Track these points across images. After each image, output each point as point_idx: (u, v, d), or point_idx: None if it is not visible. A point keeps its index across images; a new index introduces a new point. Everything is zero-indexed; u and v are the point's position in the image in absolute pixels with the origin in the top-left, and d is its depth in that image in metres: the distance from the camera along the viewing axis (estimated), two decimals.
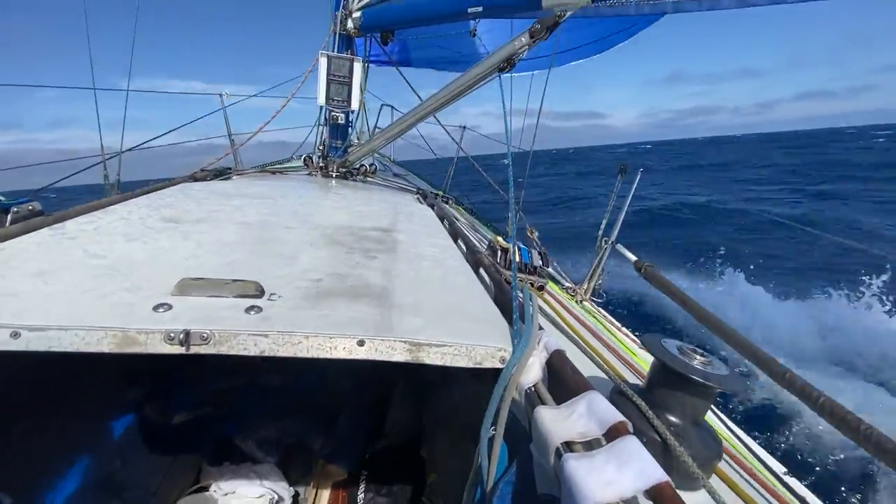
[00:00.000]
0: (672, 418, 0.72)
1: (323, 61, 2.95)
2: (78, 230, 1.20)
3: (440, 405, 2.06)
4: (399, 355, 0.80)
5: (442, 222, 1.98)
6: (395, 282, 1.06)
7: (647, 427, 0.71)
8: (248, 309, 0.83)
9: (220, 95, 4.31)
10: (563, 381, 0.79)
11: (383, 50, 3.21)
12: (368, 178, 3.28)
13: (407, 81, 3.42)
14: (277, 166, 3.64)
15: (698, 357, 0.73)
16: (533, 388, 0.80)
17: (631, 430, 0.63)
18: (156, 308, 0.80)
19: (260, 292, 0.90)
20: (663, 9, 1.92)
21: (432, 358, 0.81)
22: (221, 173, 2.71)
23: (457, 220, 2.35)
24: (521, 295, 1.00)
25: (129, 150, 3.03)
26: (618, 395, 0.78)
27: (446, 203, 3.16)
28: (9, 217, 1.27)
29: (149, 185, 1.95)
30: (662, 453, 0.68)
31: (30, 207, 1.34)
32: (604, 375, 0.93)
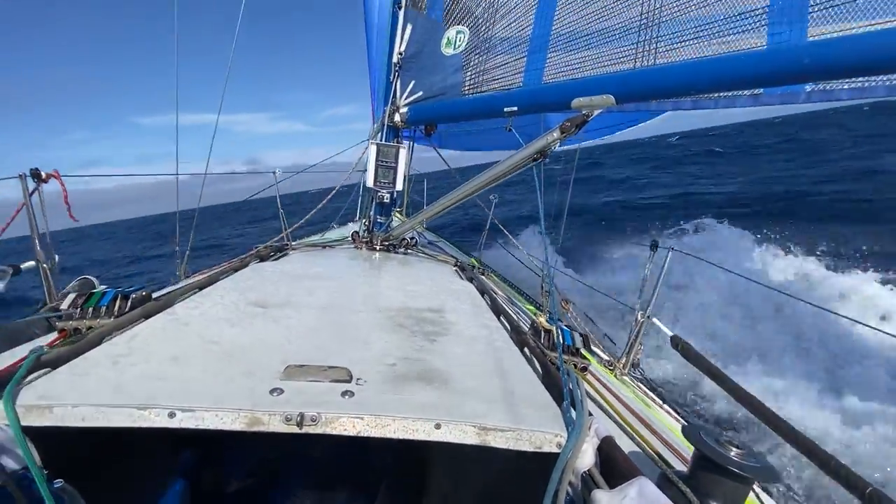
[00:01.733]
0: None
1: (373, 149, 3.32)
2: (188, 315, 1.42)
3: (477, 480, 2.09)
4: (470, 438, 0.93)
5: (483, 297, 2.14)
6: (456, 366, 1.21)
7: None
8: (343, 393, 0.99)
9: (274, 173, 4.82)
10: (614, 467, 0.89)
11: (426, 139, 3.59)
12: (409, 251, 3.52)
13: (444, 160, 3.76)
14: (325, 238, 3.95)
15: (734, 449, 0.83)
16: (587, 473, 0.91)
17: None
18: (272, 392, 0.97)
19: (349, 377, 1.06)
20: (680, 106, 2.15)
21: (498, 441, 0.94)
22: (280, 249, 3.01)
23: (495, 293, 2.51)
24: (568, 379, 1.13)
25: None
26: (664, 481, 0.87)
27: (483, 274, 3.34)
28: (129, 303, 1.51)
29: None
30: None
31: (143, 293, 1.59)
32: (649, 459, 1.02)
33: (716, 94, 2.09)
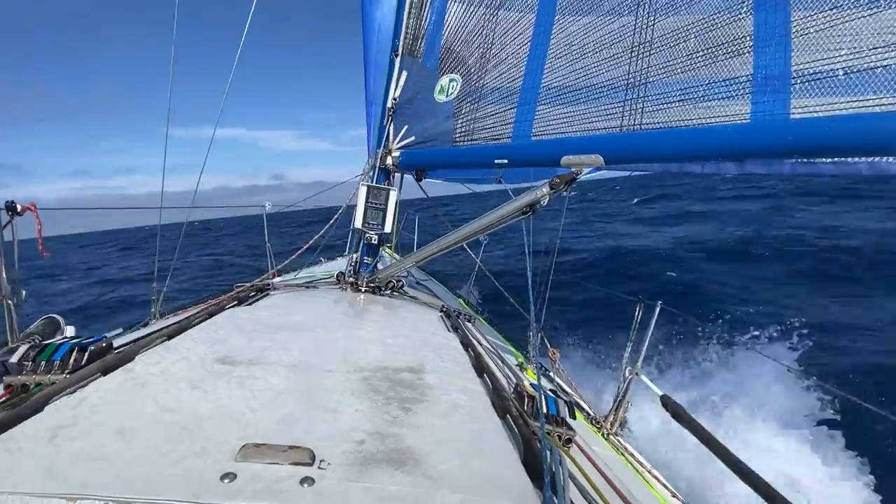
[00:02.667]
0: None
1: (362, 190, 3.31)
2: (146, 373, 1.33)
3: None
4: None
5: (467, 350, 2.07)
6: (430, 443, 1.13)
7: None
8: (303, 480, 0.91)
9: (264, 206, 4.79)
10: None
11: (418, 184, 3.60)
12: (394, 294, 3.46)
13: (424, 192, 3.77)
14: (310, 276, 3.88)
15: None
16: None
17: None
18: (222, 478, 0.88)
19: (311, 459, 0.98)
20: (669, 168, 2.18)
21: None
22: (262, 290, 2.93)
23: (480, 344, 2.43)
24: (550, 457, 1.06)
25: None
26: None
27: (469, 321, 3.27)
28: (86, 355, 1.42)
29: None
30: None
31: (103, 344, 1.50)
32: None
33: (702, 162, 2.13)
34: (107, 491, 0.82)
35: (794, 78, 1.96)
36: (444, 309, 3.09)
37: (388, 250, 5.81)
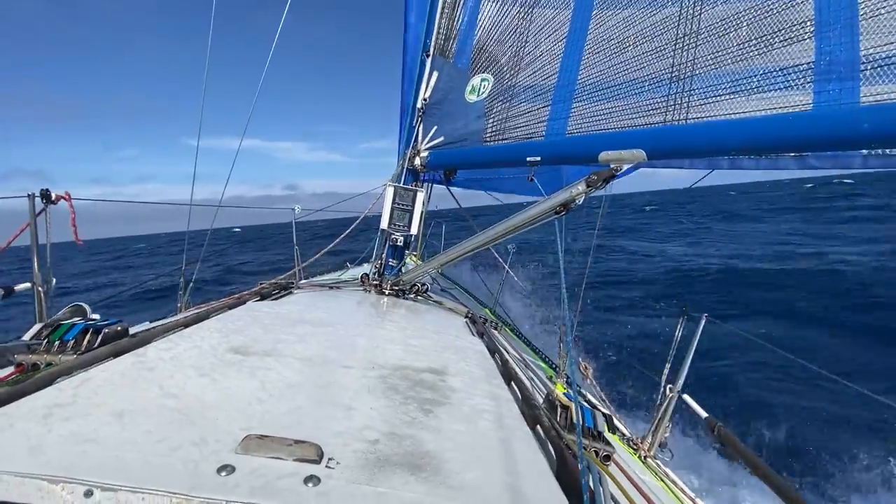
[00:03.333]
0: None
1: (390, 191, 3.25)
2: (156, 358, 1.27)
3: None
4: None
5: (493, 356, 1.93)
6: (452, 449, 1.00)
7: None
8: (307, 479, 0.80)
9: (293, 209, 4.81)
10: None
11: (446, 185, 3.52)
12: (419, 298, 3.35)
13: (456, 200, 3.66)
14: (335, 278, 3.83)
15: None
16: None
17: None
18: (219, 470, 0.79)
19: (319, 457, 0.87)
20: (718, 165, 2.00)
21: None
22: (286, 287, 2.88)
23: (508, 352, 2.29)
24: (588, 473, 0.91)
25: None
26: None
27: (496, 329, 3.12)
28: (99, 338, 1.37)
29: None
30: None
31: (118, 328, 1.46)
32: None
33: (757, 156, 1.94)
34: (92, 476, 0.74)
35: (863, 63, 1.76)
36: (470, 315, 2.96)
37: (413, 258, 5.74)
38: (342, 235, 3.46)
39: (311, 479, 0.80)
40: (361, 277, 3.42)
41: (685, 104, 2.21)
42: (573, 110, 2.66)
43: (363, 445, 0.96)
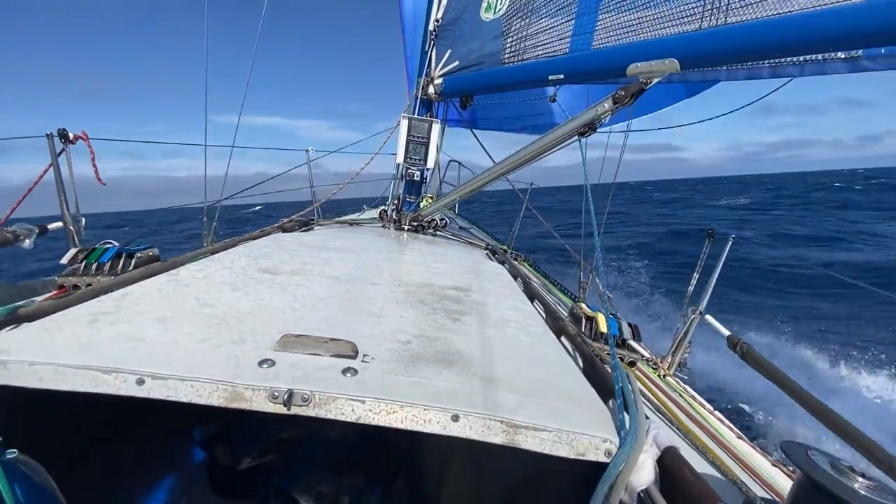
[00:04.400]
0: None
1: (404, 123, 3.15)
2: (191, 277, 1.30)
3: (506, 479, 1.91)
4: (495, 436, 0.75)
5: (516, 280, 1.94)
6: (482, 349, 1.03)
7: None
8: (345, 370, 0.83)
9: (307, 151, 4.74)
10: (682, 488, 0.69)
11: (459, 114, 3.38)
12: (438, 233, 3.35)
13: (481, 145, 3.55)
14: (354, 217, 3.84)
15: (860, 479, 0.60)
16: (645, 493, 0.71)
17: None
18: (260, 363, 0.82)
19: (354, 353, 0.90)
20: (759, 74, 1.85)
21: (530, 443, 0.75)
22: (305, 224, 2.90)
23: (529, 278, 2.30)
24: (618, 374, 0.92)
25: (227, 198, 3.37)
26: None
27: (515, 260, 3.12)
28: (133, 261, 1.41)
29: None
30: None
31: (150, 253, 1.50)
32: (725, 480, 0.81)
33: (802, 59, 1.78)
34: (142, 367, 0.78)
35: None
36: (489, 247, 2.96)
37: (430, 200, 5.67)
38: (362, 168, 3.41)
39: (349, 371, 0.84)
40: (380, 214, 3.42)
41: (724, 7, 2.02)
42: (599, 23, 2.45)
43: (396, 345, 0.99)
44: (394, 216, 3.32)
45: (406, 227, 3.21)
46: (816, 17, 1.55)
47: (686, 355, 2.41)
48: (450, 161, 5.06)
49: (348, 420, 0.76)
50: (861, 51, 1.61)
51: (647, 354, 2.46)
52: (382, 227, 3.30)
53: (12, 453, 0.78)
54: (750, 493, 0.71)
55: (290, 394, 0.75)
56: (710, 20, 2.03)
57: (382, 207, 3.47)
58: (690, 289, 2.36)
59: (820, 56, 1.67)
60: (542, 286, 2.40)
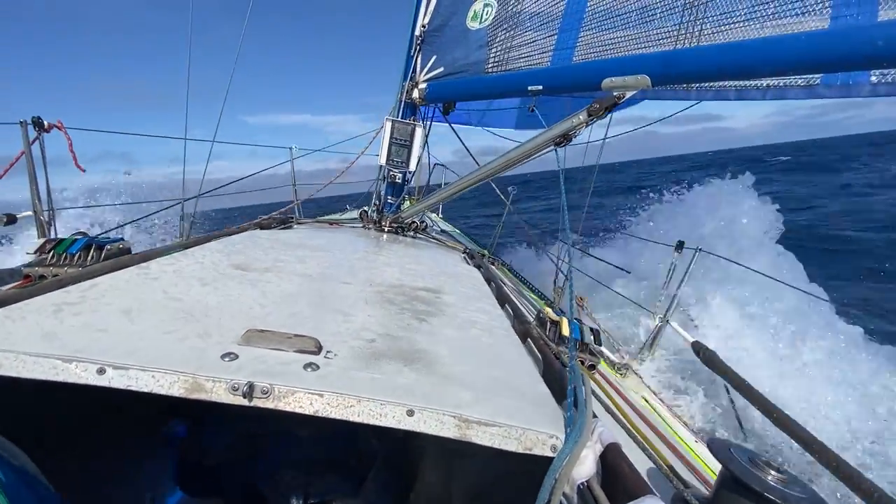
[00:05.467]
0: None
1: (388, 125, 3.17)
2: (160, 270, 1.31)
3: (471, 479, 1.94)
4: (447, 430, 0.79)
5: (489, 284, 1.98)
6: (444, 349, 1.06)
7: None
8: (307, 366, 0.85)
9: (290, 149, 4.72)
10: (619, 480, 0.74)
11: (444, 116, 3.43)
12: (418, 235, 3.38)
13: (465, 147, 3.60)
14: (334, 217, 3.84)
15: (773, 472, 0.66)
16: (586, 484, 0.75)
17: None
18: (223, 357, 0.84)
19: (318, 349, 0.92)
20: (726, 96, 1.94)
21: (481, 437, 0.79)
22: (284, 222, 2.90)
23: (503, 283, 2.34)
24: (573, 375, 0.97)
25: (204, 194, 3.34)
26: (679, 503, 0.71)
27: (492, 264, 3.17)
28: (103, 253, 1.41)
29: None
30: None
31: (120, 246, 1.49)
32: (660, 474, 0.85)
33: (765, 84, 1.88)
34: (104, 357, 0.79)
35: None
36: (468, 251, 3.00)
37: (412, 203, 5.70)
38: (344, 170, 3.42)
39: (311, 366, 0.86)
40: (360, 214, 3.44)
41: (696, 33, 2.11)
42: (580, 40, 2.53)
43: (360, 343, 1.01)
44: (374, 217, 3.34)
45: (386, 229, 3.23)
46: (778, 42, 1.65)
47: (651, 358, 2.50)
48: (435, 164, 5.11)
49: (307, 413, 0.78)
50: (819, 78, 1.71)
51: (612, 358, 2.54)
52: (363, 227, 3.31)
53: None
54: (685, 486, 0.76)
55: (251, 386, 0.77)
56: (684, 42, 2.13)
57: (364, 208, 3.48)
58: (661, 297, 2.45)
59: (781, 82, 1.77)
60: (516, 290, 2.45)
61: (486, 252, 3.47)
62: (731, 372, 1.90)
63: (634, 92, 2.00)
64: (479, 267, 2.41)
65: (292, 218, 3.04)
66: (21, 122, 2.28)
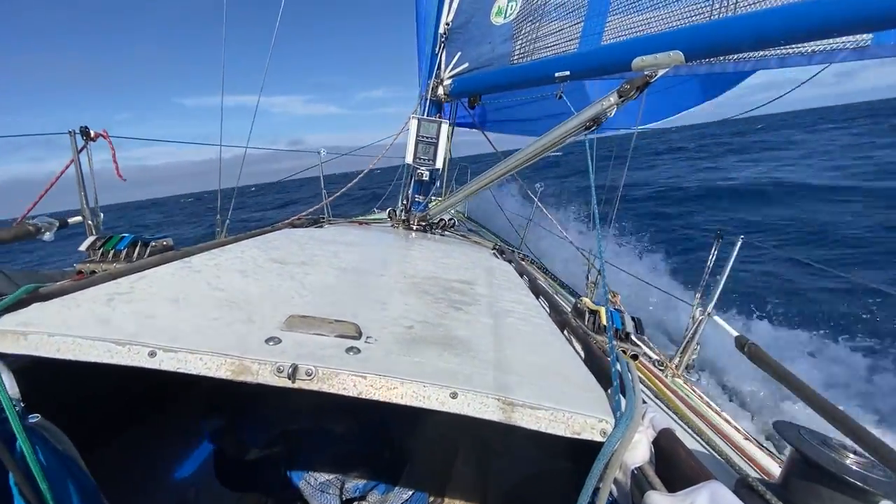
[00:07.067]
0: None
1: (413, 123, 3.19)
2: (202, 264, 1.35)
3: (506, 476, 1.90)
4: (491, 413, 0.76)
5: (521, 277, 1.95)
6: (483, 336, 1.04)
7: None
8: (349, 349, 0.85)
9: (319, 153, 4.84)
10: (675, 466, 0.69)
11: (469, 112, 3.42)
12: (446, 233, 3.37)
13: (490, 142, 3.57)
14: (363, 217, 3.89)
15: (851, 455, 0.60)
16: (639, 470, 0.71)
17: None
18: (267, 341, 0.85)
19: (358, 334, 0.92)
20: (766, 64, 1.84)
21: (526, 420, 0.76)
22: (316, 221, 2.96)
23: (535, 276, 2.30)
24: (618, 363, 0.92)
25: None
26: (745, 490, 0.66)
27: (523, 260, 3.13)
28: (148, 249, 1.46)
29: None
30: None
31: (164, 242, 1.55)
32: (717, 460, 0.80)
33: (809, 49, 1.77)
34: (155, 341, 0.81)
35: None
36: (497, 246, 2.96)
37: (438, 203, 5.72)
38: (368, 167, 3.47)
39: (352, 350, 0.86)
40: (389, 213, 3.46)
41: (732, 5, 2.02)
42: (608, 24, 2.47)
43: (399, 329, 1.00)
44: (403, 216, 3.36)
45: (415, 227, 3.24)
46: (823, 3, 1.54)
47: (693, 357, 2.38)
48: (458, 167, 5.11)
49: (350, 395, 0.77)
50: (870, 38, 1.59)
51: (652, 355, 2.44)
52: (392, 226, 3.34)
53: (35, 418, 0.82)
54: (743, 472, 0.71)
55: (295, 368, 0.77)
56: (720, 15, 2.03)
57: (391, 208, 3.51)
58: (699, 290, 2.34)
59: (827, 46, 1.66)
60: (549, 285, 2.40)
61: (515, 249, 3.42)
62: (779, 367, 1.79)
63: (666, 70, 1.92)
64: (510, 262, 2.37)
65: (323, 218, 3.10)
66: (70, 132, 2.42)
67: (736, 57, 1.83)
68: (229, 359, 0.79)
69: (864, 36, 1.54)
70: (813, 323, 5.19)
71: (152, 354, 0.79)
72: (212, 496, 1.84)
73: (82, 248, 1.44)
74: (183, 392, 2.12)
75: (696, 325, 2.42)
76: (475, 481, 1.99)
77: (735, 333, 2.27)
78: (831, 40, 1.60)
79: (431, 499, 1.98)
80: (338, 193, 3.39)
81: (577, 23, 2.66)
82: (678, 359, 2.46)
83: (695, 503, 0.57)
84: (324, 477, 2.05)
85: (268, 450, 2.10)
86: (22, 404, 0.80)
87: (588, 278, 3.25)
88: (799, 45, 1.66)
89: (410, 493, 1.98)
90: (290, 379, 0.77)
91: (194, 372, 0.79)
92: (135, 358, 0.79)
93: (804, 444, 0.62)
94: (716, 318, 2.36)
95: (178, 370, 0.79)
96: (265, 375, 0.78)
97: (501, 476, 1.92)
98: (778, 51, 1.73)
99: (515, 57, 2.84)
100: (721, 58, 1.84)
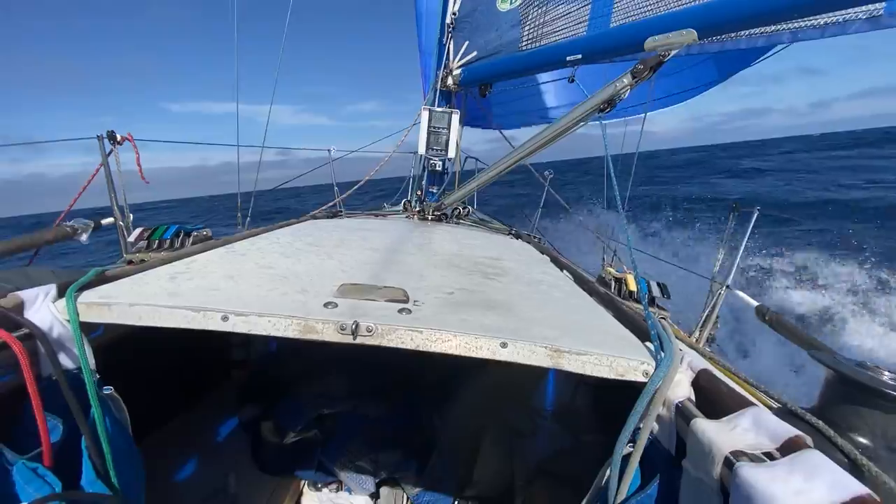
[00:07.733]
0: (861, 439, 0.64)
1: (425, 114, 3.24)
2: (245, 249, 1.42)
3: (531, 456, 1.97)
4: (540, 359, 0.82)
5: (542, 254, 2.00)
6: (520, 300, 1.10)
7: (831, 448, 0.64)
8: (401, 310, 0.92)
9: (329, 150, 4.89)
10: (717, 399, 0.75)
11: (479, 105, 3.45)
12: (461, 221, 3.43)
13: (501, 133, 3.61)
14: (377, 211, 3.95)
15: (887, 372, 0.65)
16: (681, 405, 0.77)
17: (811, 444, 0.58)
18: (326, 305, 0.92)
19: (406, 298, 0.99)
20: (779, 39, 1.87)
21: (573, 364, 0.82)
22: (334, 215, 3.03)
23: (557, 256, 2.35)
24: (652, 319, 0.98)
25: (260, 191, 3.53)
26: (786, 415, 0.72)
27: (539, 242, 3.18)
28: (191, 238, 1.54)
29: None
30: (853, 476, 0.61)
31: (204, 233, 1.62)
32: (757, 395, 0.85)
33: (822, 20, 1.79)
34: (221, 306, 0.88)
35: None
36: (514, 231, 3.02)
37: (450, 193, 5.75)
38: (381, 163, 3.52)
39: (404, 311, 0.92)
40: (404, 205, 3.52)
41: None
42: (617, 5, 2.50)
43: (441, 295, 1.07)
44: (417, 207, 3.41)
45: (430, 217, 3.29)
46: None
47: (715, 331, 2.42)
48: (466, 157, 5.14)
49: (408, 347, 0.84)
50: (882, 6, 1.62)
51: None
52: (406, 217, 3.39)
53: (108, 389, 0.89)
54: (782, 401, 0.76)
55: (357, 325, 0.83)
56: None
57: (406, 199, 3.56)
58: (717, 263, 2.37)
59: (840, 17, 1.69)
60: (569, 261, 2.46)
61: (529, 234, 3.47)
62: (803, 334, 1.83)
63: (679, 49, 1.96)
64: (528, 243, 2.43)
65: (340, 212, 3.16)
66: (98, 137, 2.50)
67: (748, 32, 1.86)
68: (296, 319, 0.85)
69: (878, 4, 1.57)
70: None
71: (225, 318, 0.86)
72: (249, 481, 1.92)
73: (131, 238, 1.52)
74: (223, 381, 2.21)
75: (714, 299, 2.46)
76: (502, 460, 2.06)
77: (755, 304, 2.31)
78: (843, 11, 1.63)
79: (461, 476, 2.06)
80: (351, 190, 3.45)
81: (585, 4, 2.68)
82: (698, 333, 2.51)
83: (739, 425, 0.63)
84: (358, 459, 2.13)
85: (304, 434, 2.19)
86: (97, 376, 0.88)
87: (604, 259, 3.30)
88: (811, 18, 1.69)
89: (441, 472, 2.05)
90: (352, 335, 0.84)
91: (263, 333, 0.85)
92: (210, 322, 0.86)
93: (842, 364, 0.67)
94: (736, 291, 2.40)
95: (250, 331, 0.85)
96: (329, 333, 0.84)
97: (527, 457, 1.98)
98: (790, 24, 1.76)
99: (524, 43, 2.88)
100: (733, 34, 1.87)
